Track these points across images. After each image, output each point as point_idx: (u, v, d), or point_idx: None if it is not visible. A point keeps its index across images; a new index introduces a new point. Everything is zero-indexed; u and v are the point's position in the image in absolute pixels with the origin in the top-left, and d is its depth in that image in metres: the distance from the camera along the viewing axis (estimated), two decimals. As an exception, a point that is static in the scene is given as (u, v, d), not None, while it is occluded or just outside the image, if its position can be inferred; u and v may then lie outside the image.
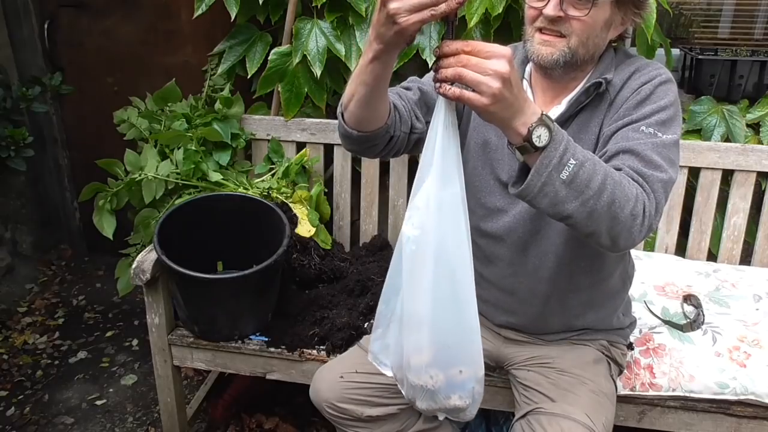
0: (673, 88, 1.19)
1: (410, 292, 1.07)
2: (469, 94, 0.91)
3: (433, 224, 1.02)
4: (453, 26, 0.95)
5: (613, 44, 1.25)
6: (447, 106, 0.98)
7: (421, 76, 1.38)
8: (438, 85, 0.93)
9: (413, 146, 1.28)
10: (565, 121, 1.22)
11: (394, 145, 1.23)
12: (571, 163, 0.96)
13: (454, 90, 0.92)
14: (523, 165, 1.01)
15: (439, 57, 0.92)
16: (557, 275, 1.30)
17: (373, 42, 1.00)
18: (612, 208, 0.99)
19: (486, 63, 0.89)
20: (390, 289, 1.14)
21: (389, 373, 1.23)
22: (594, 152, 1.13)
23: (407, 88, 1.30)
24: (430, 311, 1.07)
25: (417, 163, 1.06)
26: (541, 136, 0.94)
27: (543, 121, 0.94)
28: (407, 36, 0.95)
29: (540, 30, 1.17)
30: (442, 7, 0.88)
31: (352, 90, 1.11)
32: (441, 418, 1.24)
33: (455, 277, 1.04)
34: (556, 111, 1.24)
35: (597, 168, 0.99)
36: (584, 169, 0.97)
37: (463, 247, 1.03)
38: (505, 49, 0.90)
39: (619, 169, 1.06)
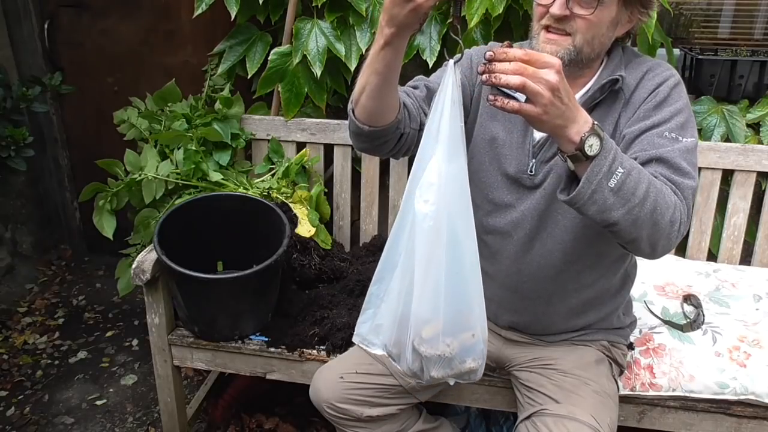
0: (684, 89, 1.22)
1: (423, 266, 1.09)
2: (527, 107, 0.93)
3: (445, 198, 1.05)
4: (461, 4, 0.96)
5: (620, 41, 1.25)
6: (453, 83, 1.00)
7: (422, 75, 1.38)
8: (493, 97, 0.94)
9: None
10: None
11: (405, 143, 1.25)
12: (619, 172, 0.98)
13: (513, 104, 0.93)
14: (570, 172, 1.03)
15: (491, 61, 0.93)
16: (562, 273, 1.30)
17: (384, 27, 1.02)
18: (654, 216, 1.02)
19: (540, 73, 0.91)
20: (385, 265, 1.18)
21: (379, 352, 1.27)
22: None
23: (414, 87, 1.31)
24: (443, 282, 1.10)
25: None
26: (593, 146, 0.96)
27: (594, 130, 0.96)
28: (420, 15, 0.97)
29: (546, 28, 1.18)
30: None
31: (364, 81, 1.12)
32: (452, 383, 1.27)
33: (463, 247, 1.08)
34: None
35: (642, 176, 1.02)
36: (631, 177, 1.00)
37: (469, 218, 1.07)
38: (556, 60, 0.92)
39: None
